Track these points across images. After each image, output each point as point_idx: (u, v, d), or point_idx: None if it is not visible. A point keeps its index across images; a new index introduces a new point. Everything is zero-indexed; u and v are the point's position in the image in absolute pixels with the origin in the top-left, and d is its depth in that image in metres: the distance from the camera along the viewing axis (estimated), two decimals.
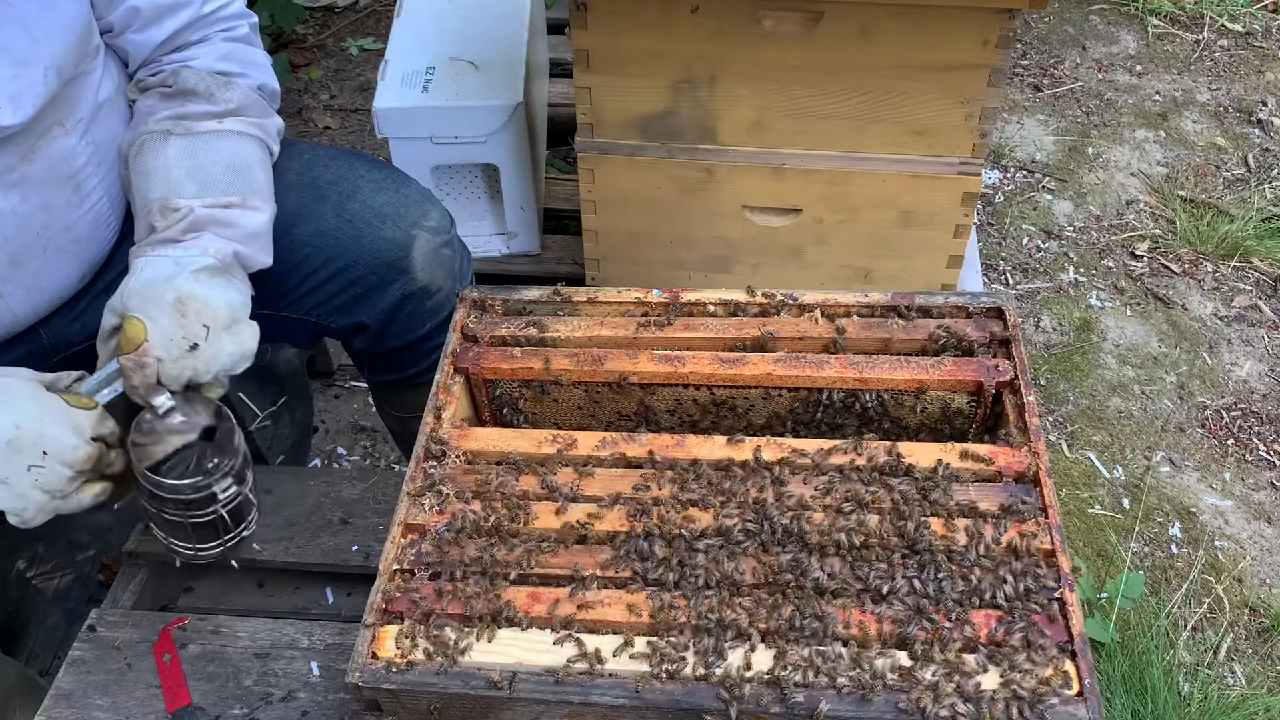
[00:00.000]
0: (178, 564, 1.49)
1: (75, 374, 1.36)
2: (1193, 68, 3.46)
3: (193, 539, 1.46)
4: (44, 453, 1.26)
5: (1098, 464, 2.44)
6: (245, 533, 1.50)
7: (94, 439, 1.31)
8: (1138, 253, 2.91)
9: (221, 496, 1.42)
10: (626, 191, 2.21)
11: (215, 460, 1.39)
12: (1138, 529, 2.30)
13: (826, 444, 1.31)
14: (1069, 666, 1.11)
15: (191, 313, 1.34)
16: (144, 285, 1.35)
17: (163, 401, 1.34)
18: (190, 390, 1.37)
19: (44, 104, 1.36)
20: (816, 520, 1.23)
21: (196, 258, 1.38)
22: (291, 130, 1.63)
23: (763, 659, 1.12)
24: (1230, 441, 2.49)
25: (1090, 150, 3.20)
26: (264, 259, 1.47)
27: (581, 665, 1.13)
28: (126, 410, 1.36)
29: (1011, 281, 2.86)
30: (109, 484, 1.35)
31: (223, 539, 1.48)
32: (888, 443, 1.31)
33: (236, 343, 1.38)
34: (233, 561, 1.54)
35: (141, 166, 1.46)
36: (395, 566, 1.23)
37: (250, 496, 1.49)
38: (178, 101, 1.49)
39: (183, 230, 1.40)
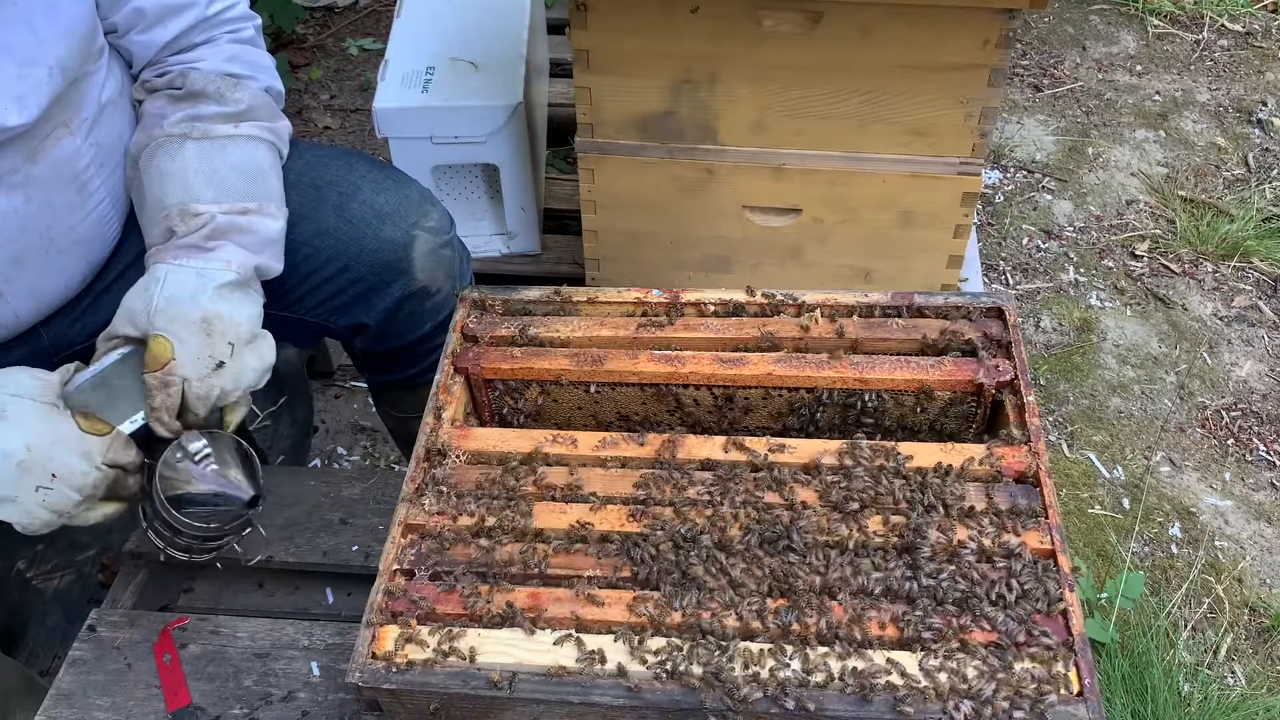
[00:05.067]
0: (162, 559, 1.51)
1: (72, 366, 1.36)
2: (1193, 68, 3.46)
3: (191, 552, 1.47)
4: (53, 476, 1.27)
5: (1098, 464, 2.44)
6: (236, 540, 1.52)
7: (109, 465, 1.30)
8: (1138, 253, 2.91)
9: (240, 535, 1.46)
10: (626, 191, 2.21)
11: (243, 511, 1.41)
12: (1138, 529, 2.30)
13: (826, 444, 1.31)
14: (1069, 666, 1.11)
15: (217, 332, 1.35)
16: (169, 303, 1.35)
17: (199, 447, 1.36)
18: (213, 415, 1.38)
19: (49, 104, 1.36)
20: (816, 520, 1.23)
21: (219, 272, 1.38)
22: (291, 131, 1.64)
23: (762, 659, 1.12)
24: (1230, 441, 2.49)
25: (1090, 150, 3.20)
26: (278, 267, 1.48)
27: (582, 665, 1.13)
28: (151, 438, 1.35)
29: (1011, 281, 2.86)
30: (122, 505, 1.35)
31: (218, 549, 1.49)
32: (888, 443, 1.31)
33: (258, 357, 1.40)
34: (218, 564, 1.56)
35: (156, 168, 1.46)
36: (395, 566, 1.23)
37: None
38: (189, 103, 1.49)
39: (204, 237, 1.40)
